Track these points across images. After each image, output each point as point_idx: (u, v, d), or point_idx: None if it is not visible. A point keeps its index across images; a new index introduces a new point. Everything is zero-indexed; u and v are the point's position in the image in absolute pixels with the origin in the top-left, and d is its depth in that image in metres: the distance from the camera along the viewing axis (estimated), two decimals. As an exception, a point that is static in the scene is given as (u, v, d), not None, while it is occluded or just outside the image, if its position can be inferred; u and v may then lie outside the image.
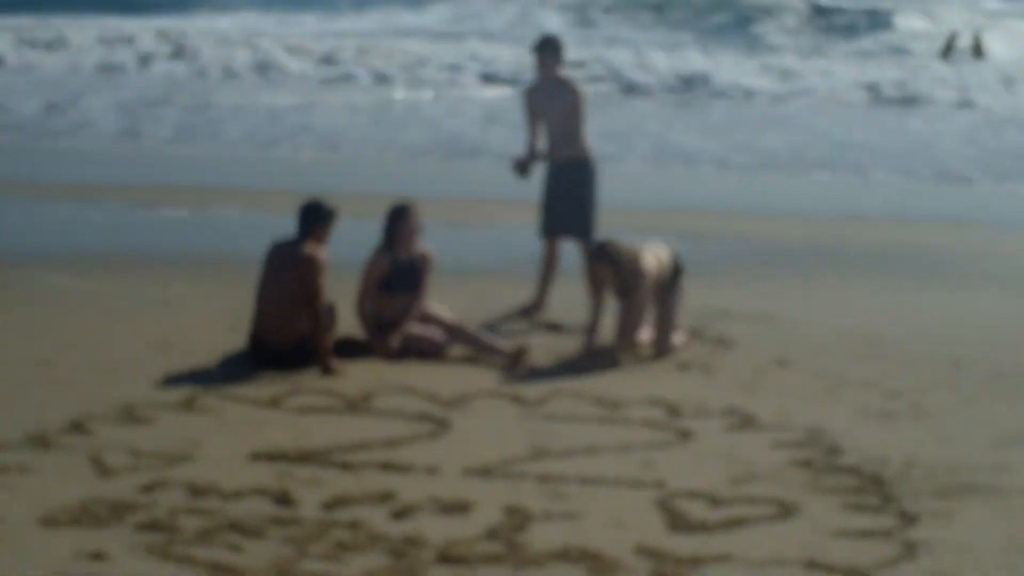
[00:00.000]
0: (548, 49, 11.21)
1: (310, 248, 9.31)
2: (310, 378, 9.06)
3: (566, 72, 11.43)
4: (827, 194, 18.72)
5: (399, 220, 9.83)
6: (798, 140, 23.46)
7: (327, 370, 9.18)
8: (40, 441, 7.48)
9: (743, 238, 14.83)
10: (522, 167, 11.12)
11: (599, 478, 7.19)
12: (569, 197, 11.18)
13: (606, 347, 9.82)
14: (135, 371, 9.06)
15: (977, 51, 37.07)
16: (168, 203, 16.27)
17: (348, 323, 9.86)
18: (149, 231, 14.78)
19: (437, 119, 25.30)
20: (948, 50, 37.03)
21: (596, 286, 9.90)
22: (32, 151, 21.02)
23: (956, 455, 7.74)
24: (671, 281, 10.05)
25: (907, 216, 16.95)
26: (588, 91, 11.50)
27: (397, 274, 9.77)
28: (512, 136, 18.86)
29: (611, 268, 9.73)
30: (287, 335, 9.33)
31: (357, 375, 9.18)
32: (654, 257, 9.97)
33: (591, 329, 9.88)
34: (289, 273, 9.29)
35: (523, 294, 11.45)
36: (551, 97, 11.15)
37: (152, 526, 6.24)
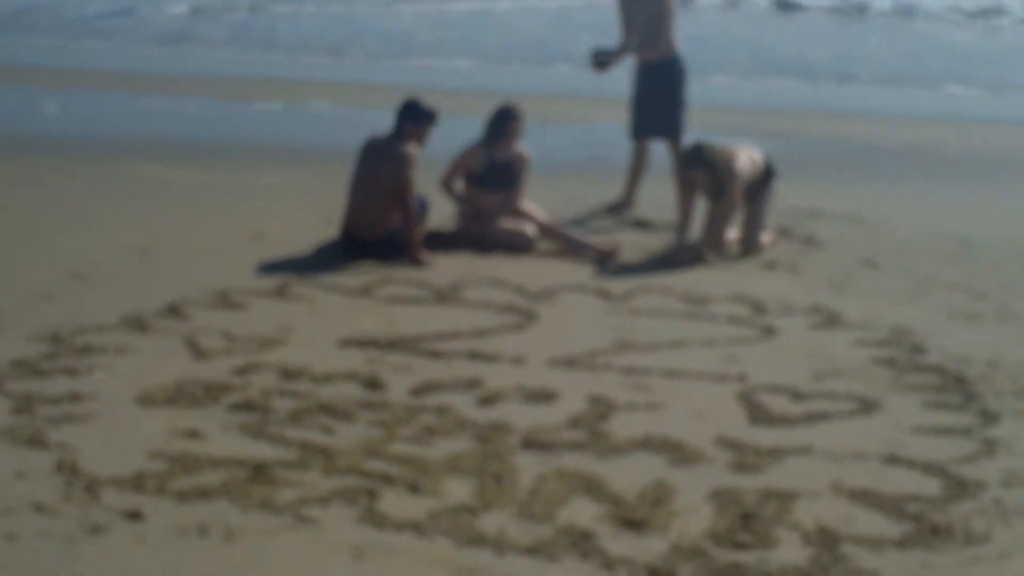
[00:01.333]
0: None
1: (404, 144, 9.41)
2: (400, 269, 9.20)
3: None
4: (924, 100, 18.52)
5: (505, 120, 9.91)
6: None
7: (417, 262, 9.31)
8: (137, 324, 7.68)
9: (836, 139, 14.73)
10: (601, 62, 11.12)
11: (682, 371, 7.27)
12: (658, 98, 11.19)
13: (694, 244, 9.87)
14: (229, 259, 9.24)
15: None
16: (261, 96, 16.43)
17: (438, 216, 9.99)
18: (243, 123, 14.95)
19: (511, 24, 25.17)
20: None
21: (688, 187, 9.94)
22: (120, 44, 21.23)
23: (1041, 357, 7.75)
24: (763, 183, 10.06)
25: (998, 119, 16.75)
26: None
27: (493, 171, 9.88)
28: (588, 41, 18.78)
29: (705, 171, 9.76)
30: (379, 227, 9.47)
31: (446, 267, 9.31)
32: (748, 159, 9.98)
33: (682, 227, 9.93)
34: (382, 167, 9.41)
35: (612, 192, 11.50)
36: None
37: (245, 406, 6.41)
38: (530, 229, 9.85)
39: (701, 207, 10.07)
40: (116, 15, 23.88)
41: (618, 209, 11.24)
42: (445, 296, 8.65)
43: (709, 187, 9.82)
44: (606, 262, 9.57)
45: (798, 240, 10.40)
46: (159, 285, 8.49)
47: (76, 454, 5.72)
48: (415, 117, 9.58)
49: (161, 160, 12.47)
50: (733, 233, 10.06)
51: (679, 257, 9.69)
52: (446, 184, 9.95)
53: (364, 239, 9.48)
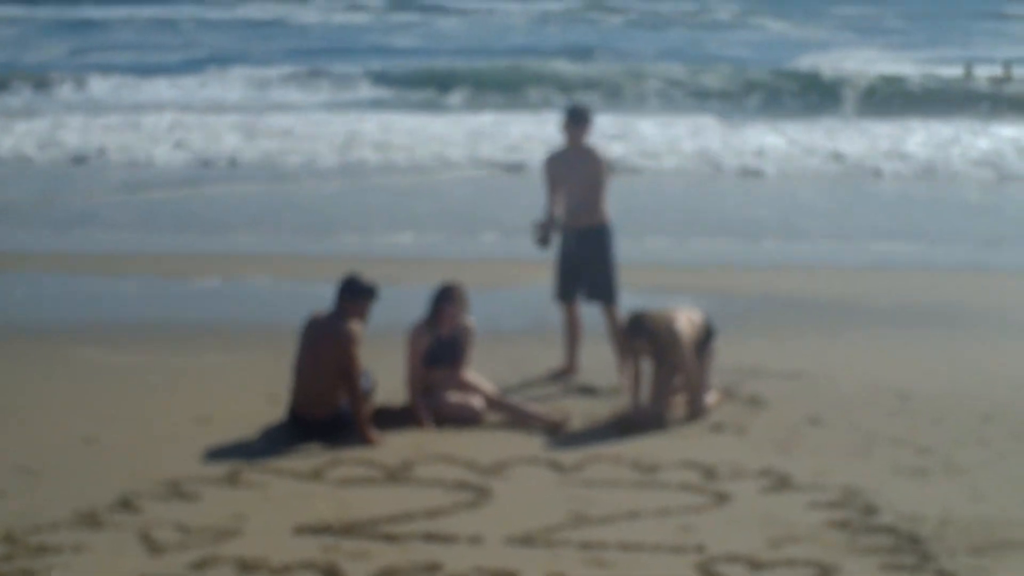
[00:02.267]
0: (579, 119, 11.39)
1: (348, 322, 9.48)
2: (350, 449, 9.20)
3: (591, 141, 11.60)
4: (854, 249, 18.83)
5: (445, 301, 9.99)
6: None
7: (367, 440, 9.32)
8: (90, 519, 7.64)
9: (770, 294, 14.93)
10: (544, 237, 11.29)
11: (640, 544, 7.31)
12: (593, 262, 11.35)
13: (644, 409, 9.93)
14: (178, 445, 9.22)
15: None
16: (199, 273, 16.47)
17: (385, 391, 10.03)
18: (182, 301, 14.97)
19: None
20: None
21: (632, 356, 10.05)
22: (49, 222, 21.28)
23: (990, 511, 7.84)
24: (704, 343, 10.19)
25: (934, 267, 17.05)
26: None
27: (439, 349, 9.95)
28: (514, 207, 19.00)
29: (648, 341, 9.89)
30: (326, 407, 9.49)
31: (396, 444, 9.33)
32: (687, 320, 10.11)
33: (634, 391, 10.00)
34: (326, 346, 9.46)
35: (556, 356, 11.59)
36: (575, 165, 11.33)
37: (205, 604, 6.38)
38: (477, 402, 9.90)
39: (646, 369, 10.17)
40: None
41: (561, 376, 11.32)
42: (397, 475, 8.66)
43: (652, 354, 9.94)
44: (555, 432, 9.62)
45: (742, 399, 10.50)
46: (109, 476, 8.46)
47: (38, 663, 5.66)
48: (355, 294, 9.66)
49: (101, 343, 12.44)
50: (678, 397, 10.14)
51: (640, 421, 9.74)
52: (411, 385, 9.94)
53: (311, 419, 9.49)
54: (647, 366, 10.13)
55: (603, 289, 11.40)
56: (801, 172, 25.14)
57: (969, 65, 38.71)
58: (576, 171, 11.32)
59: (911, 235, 19.41)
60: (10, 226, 20.52)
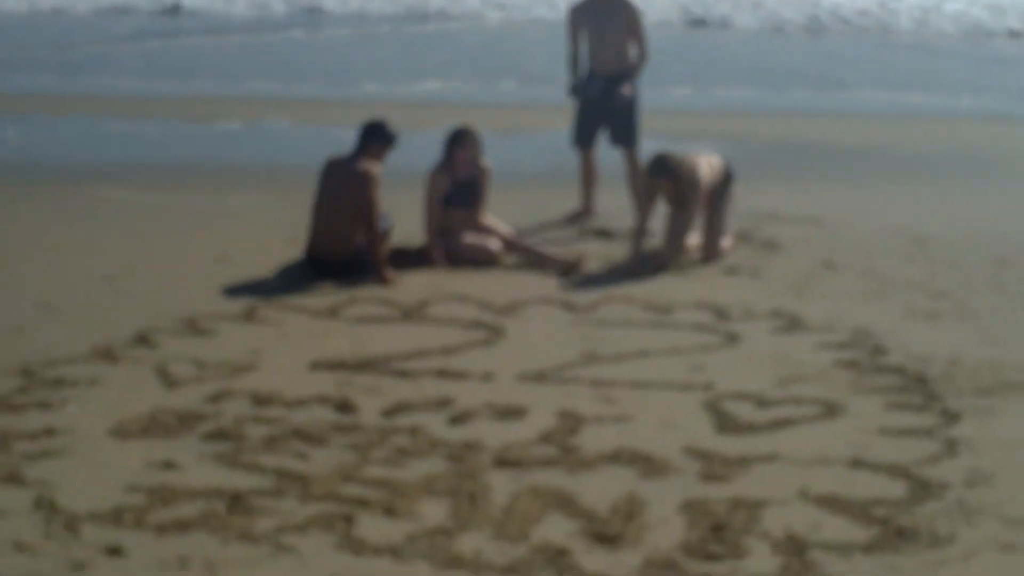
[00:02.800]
0: None
1: (366, 163, 9.51)
2: (367, 288, 9.28)
3: None
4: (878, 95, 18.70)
5: (456, 145, 10.01)
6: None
7: (383, 280, 9.39)
8: (107, 354, 7.74)
9: (790, 140, 14.87)
10: (580, 88, 11.27)
11: (649, 382, 7.38)
12: (618, 107, 11.31)
13: (655, 251, 9.98)
14: (196, 284, 9.30)
15: None
16: (221, 116, 16.48)
17: (402, 233, 10.08)
18: (203, 144, 15.00)
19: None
20: None
21: (650, 195, 10.05)
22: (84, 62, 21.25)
23: (999, 354, 7.88)
24: (722, 187, 10.18)
25: (956, 115, 16.94)
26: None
27: (457, 190, 9.98)
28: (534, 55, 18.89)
29: (670, 181, 9.88)
30: (343, 247, 9.55)
31: (412, 284, 9.40)
32: (708, 165, 10.10)
33: (640, 234, 10.05)
34: (345, 188, 9.50)
35: (572, 201, 11.61)
36: (605, 14, 11.24)
37: (219, 435, 6.48)
38: (493, 244, 9.95)
39: (661, 212, 10.18)
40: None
41: (578, 219, 11.36)
42: (412, 314, 8.74)
43: (672, 196, 9.94)
44: (570, 273, 9.68)
45: (758, 244, 10.53)
46: (127, 313, 8.55)
47: (54, 490, 5.78)
48: (376, 137, 9.68)
49: (121, 184, 12.51)
50: (694, 239, 10.17)
51: (638, 269, 9.79)
52: (429, 226, 9.98)
53: (329, 259, 9.56)
54: (663, 209, 10.16)
55: (626, 133, 11.38)
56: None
57: None
58: (606, 19, 11.25)
59: (935, 85, 19.27)
60: (32, 70, 20.52)
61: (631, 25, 11.25)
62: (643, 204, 10.12)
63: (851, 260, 10.06)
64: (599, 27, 11.29)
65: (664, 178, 9.89)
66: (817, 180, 12.84)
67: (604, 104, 11.31)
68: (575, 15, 11.44)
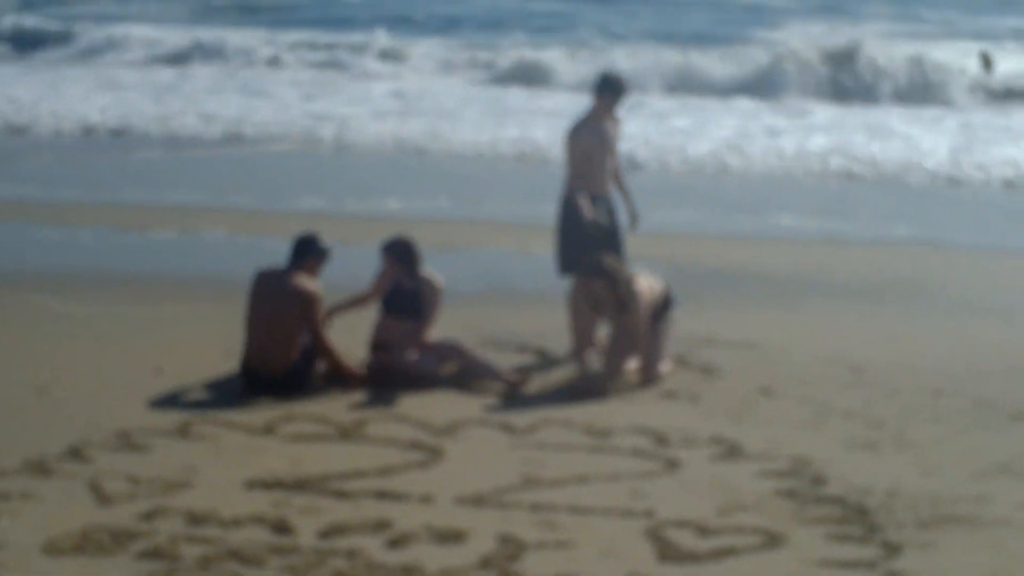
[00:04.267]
0: (613, 89, 11.29)
1: (305, 281, 9.49)
2: (302, 404, 9.20)
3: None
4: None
5: (386, 254, 10.04)
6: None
7: (356, 381, 9.55)
8: (40, 468, 7.61)
9: (726, 265, 14.95)
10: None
11: (590, 507, 7.34)
12: (610, 231, 11.26)
13: (594, 374, 9.96)
14: (130, 396, 9.19)
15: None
16: (155, 225, 16.40)
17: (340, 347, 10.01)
18: (137, 252, 14.89)
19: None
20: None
21: (589, 304, 10.01)
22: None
23: (939, 485, 7.90)
24: (662, 310, 10.20)
25: (888, 242, 17.11)
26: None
27: (401, 298, 9.94)
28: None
29: (606, 284, 9.87)
30: (279, 362, 9.48)
31: (351, 402, 9.32)
32: (648, 285, 10.12)
33: (581, 354, 10.02)
34: (285, 306, 9.46)
35: (512, 319, 11.58)
36: (607, 133, 11.26)
37: (154, 554, 6.37)
38: (433, 361, 9.89)
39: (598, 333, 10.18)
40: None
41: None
42: (349, 433, 8.66)
43: (609, 303, 9.91)
44: (516, 391, 9.62)
45: (696, 368, 10.53)
46: (60, 425, 8.43)
47: (-17, 608, 5.64)
48: (312, 252, 9.72)
49: (54, 292, 12.36)
50: (632, 363, 10.17)
51: (581, 390, 9.74)
52: (377, 337, 9.98)
53: (265, 374, 9.48)
54: (602, 332, 10.17)
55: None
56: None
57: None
58: (607, 140, 11.23)
59: (866, 211, 19.49)
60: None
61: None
62: (578, 319, 10.09)
63: (788, 387, 10.07)
64: (601, 148, 11.25)
65: (601, 279, 9.88)
66: (753, 305, 12.89)
67: (604, 228, 11.24)
68: (577, 136, 11.29)
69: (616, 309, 9.94)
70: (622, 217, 11.51)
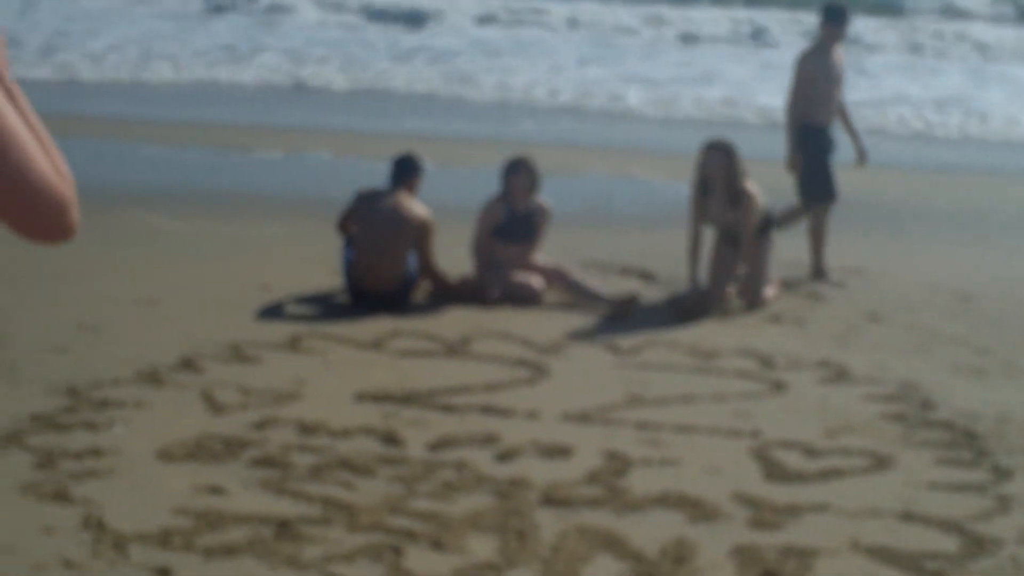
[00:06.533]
0: (839, 18, 11.17)
1: (419, 207, 9.71)
2: (410, 321, 9.27)
3: None
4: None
5: (512, 174, 10.05)
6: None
7: (463, 299, 9.81)
8: (152, 377, 7.72)
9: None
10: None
11: (695, 426, 7.34)
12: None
13: (701, 295, 9.92)
14: (239, 310, 9.29)
15: None
16: (260, 145, 16.52)
17: (446, 266, 10.06)
18: (243, 172, 15.03)
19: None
20: None
21: (706, 185, 9.96)
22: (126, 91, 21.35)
23: (1049, 413, 7.82)
24: (760, 231, 10.11)
25: (999, 170, 16.88)
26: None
27: (512, 224, 10.00)
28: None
29: (725, 161, 9.84)
30: (386, 279, 9.57)
31: (456, 319, 9.38)
32: (757, 190, 10.04)
33: (692, 277, 10.00)
34: (396, 226, 9.63)
35: (612, 242, 11.56)
36: (834, 64, 11.16)
37: (266, 462, 6.45)
38: (538, 282, 9.93)
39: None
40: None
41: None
42: (456, 350, 8.71)
43: (722, 187, 9.86)
44: (626, 313, 9.61)
45: (802, 294, 10.48)
46: (170, 337, 8.53)
47: (101, 510, 5.76)
48: (414, 171, 9.94)
49: (162, 210, 12.51)
50: (737, 286, 10.13)
51: (686, 311, 9.72)
52: (476, 253, 10.02)
53: (373, 291, 9.57)
54: (708, 247, 10.14)
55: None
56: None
57: None
58: (833, 69, 11.15)
59: (977, 141, 19.23)
60: (74, 93, 20.63)
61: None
62: (692, 227, 10.04)
63: (895, 313, 10.00)
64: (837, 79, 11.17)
65: (719, 153, 9.87)
66: (859, 231, 12.78)
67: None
68: (805, 62, 11.21)
69: (730, 197, 9.89)
70: (847, 153, 11.38)
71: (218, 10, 30.94)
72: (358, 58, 25.12)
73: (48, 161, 2.86)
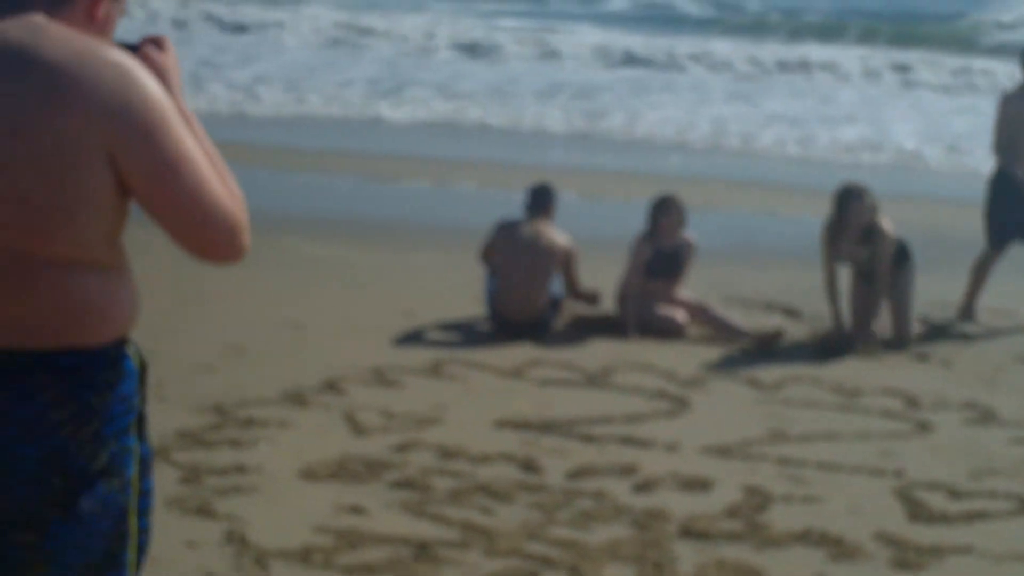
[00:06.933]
0: None
1: (561, 236, 9.90)
2: (551, 350, 9.30)
3: None
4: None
5: (661, 212, 10.07)
6: None
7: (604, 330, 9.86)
8: (297, 398, 7.84)
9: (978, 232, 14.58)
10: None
11: (838, 464, 7.25)
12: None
13: (844, 333, 9.82)
14: (382, 335, 9.40)
15: None
16: (407, 175, 16.71)
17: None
18: (391, 201, 15.20)
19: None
20: None
21: (838, 225, 9.86)
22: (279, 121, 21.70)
23: None
24: (898, 265, 9.94)
25: None
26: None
27: (658, 260, 10.01)
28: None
29: (859, 205, 9.73)
30: (528, 308, 9.63)
31: (597, 350, 9.39)
32: (889, 224, 9.92)
33: (834, 315, 9.88)
34: (539, 255, 9.78)
35: (759, 278, 11.49)
36: None
37: (406, 484, 6.51)
38: (681, 316, 9.91)
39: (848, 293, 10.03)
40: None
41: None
42: (596, 380, 8.71)
43: (857, 234, 9.76)
44: (769, 347, 9.55)
45: (949, 334, 10.32)
46: (315, 360, 8.65)
47: (244, 525, 5.86)
48: (550, 199, 10.17)
49: (311, 237, 12.69)
50: (880, 323, 10.00)
51: (830, 349, 9.62)
52: (623, 291, 10.01)
53: (515, 319, 9.63)
54: (847, 286, 10.04)
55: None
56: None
57: None
58: None
59: None
60: (223, 123, 21.03)
61: None
62: (826, 266, 9.93)
63: (1045, 356, 9.81)
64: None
65: (855, 197, 9.74)
66: (1009, 273, 12.54)
67: None
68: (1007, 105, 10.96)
69: (862, 238, 9.78)
70: None
71: (356, 46, 31.31)
72: (502, 91, 25.28)
73: (222, 185, 2.96)
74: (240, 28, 32.59)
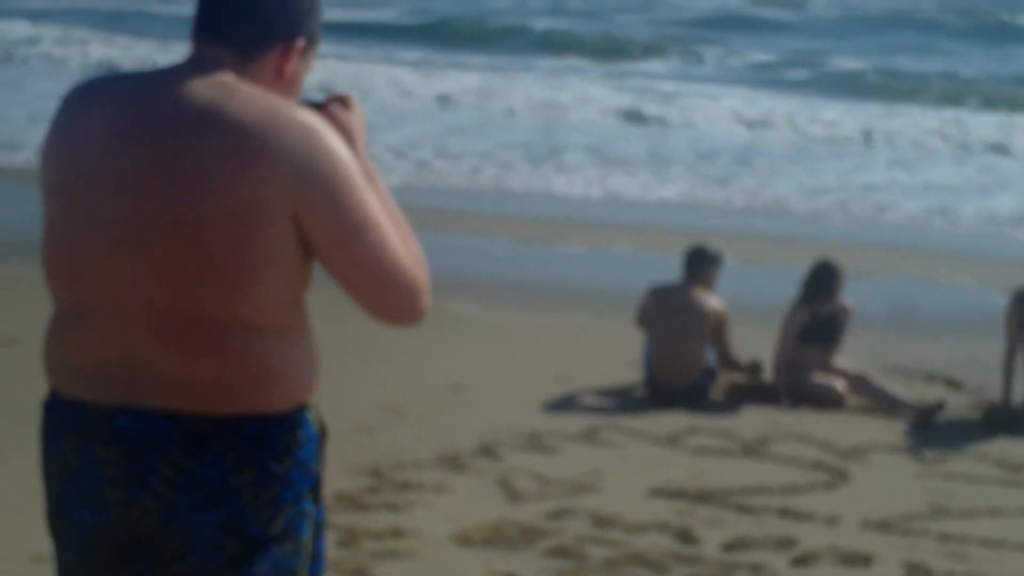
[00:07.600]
0: None
1: (713, 300, 9.80)
2: (707, 418, 9.24)
3: None
4: None
5: (824, 279, 9.96)
6: None
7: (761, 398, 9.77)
8: (452, 462, 7.87)
9: None
10: None
11: (1002, 541, 7.09)
12: None
13: (1012, 408, 9.59)
14: (537, 399, 9.41)
15: None
16: (563, 239, 16.75)
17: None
18: (547, 264, 15.25)
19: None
20: None
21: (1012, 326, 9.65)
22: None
23: None
24: None
25: None
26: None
27: (815, 326, 9.90)
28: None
29: None
30: (684, 374, 9.59)
31: (753, 419, 9.30)
32: None
33: (1004, 389, 9.65)
34: (692, 320, 9.72)
35: (918, 348, 11.30)
36: None
37: (560, 552, 6.49)
38: (840, 385, 9.77)
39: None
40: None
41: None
42: (753, 449, 8.63)
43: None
44: (929, 420, 9.36)
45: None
46: (471, 423, 8.69)
47: (400, 590, 5.88)
48: (708, 263, 9.96)
49: (470, 298, 12.76)
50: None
51: (996, 424, 9.39)
52: (778, 359, 9.91)
53: (670, 386, 9.58)
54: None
55: None
56: None
57: None
58: None
59: None
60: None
61: None
62: (1007, 342, 9.69)
63: None
64: None
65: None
66: None
67: None
68: None
69: None
70: None
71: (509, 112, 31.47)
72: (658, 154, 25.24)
73: (404, 245, 2.92)
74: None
